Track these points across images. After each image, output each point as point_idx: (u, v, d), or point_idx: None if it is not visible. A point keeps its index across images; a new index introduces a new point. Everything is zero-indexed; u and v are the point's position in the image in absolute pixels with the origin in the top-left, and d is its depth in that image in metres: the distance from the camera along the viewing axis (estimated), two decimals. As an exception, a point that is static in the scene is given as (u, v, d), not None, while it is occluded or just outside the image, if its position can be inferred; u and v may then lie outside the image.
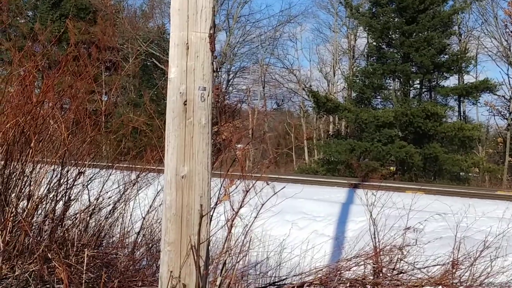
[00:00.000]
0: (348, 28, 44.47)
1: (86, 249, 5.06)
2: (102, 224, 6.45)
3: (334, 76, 45.01)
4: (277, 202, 4.69)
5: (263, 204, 4.43)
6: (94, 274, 5.04)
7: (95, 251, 5.60)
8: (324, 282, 5.87)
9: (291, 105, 50.53)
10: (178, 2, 3.80)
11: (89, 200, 6.34)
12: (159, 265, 3.90)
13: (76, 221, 5.94)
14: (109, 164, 7.02)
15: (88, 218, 6.20)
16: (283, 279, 6.42)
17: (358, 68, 37.73)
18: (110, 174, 6.89)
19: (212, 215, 4.06)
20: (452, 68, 32.87)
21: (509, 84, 36.02)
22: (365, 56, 38.68)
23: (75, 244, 5.22)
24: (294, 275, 6.45)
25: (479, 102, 35.75)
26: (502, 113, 37.01)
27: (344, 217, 13.69)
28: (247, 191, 4.15)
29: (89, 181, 6.39)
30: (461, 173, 32.57)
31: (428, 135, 30.56)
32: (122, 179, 7.08)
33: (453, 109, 34.29)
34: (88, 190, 6.35)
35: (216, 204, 4.29)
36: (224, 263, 4.46)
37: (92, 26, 34.32)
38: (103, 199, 6.57)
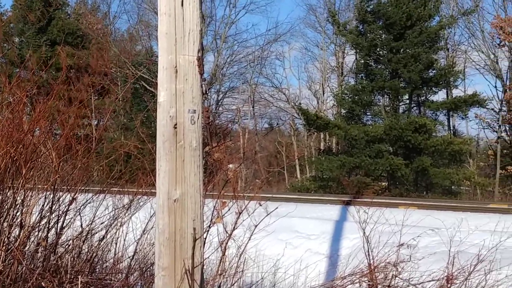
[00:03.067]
0: (335, 46, 44.78)
1: (79, 276, 5.04)
2: (95, 249, 6.41)
3: (323, 93, 45.22)
4: (270, 222, 4.69)
5: (256, 226, 4.43)
6: (88, 301, 5.02)
7: (89, 277, 5.57)
8: (319, 301, 5.86)
9: (282, 123, 50.75)
10: (165, 26, 3.81)
11: (82, 226, 6.31)
12: (153, 290, 3.89)
13: (69, 247, 5.91)
14: (101, 189, 6.99)
15: (81, 244, 6.17)
16: (279, 300, 6.40)
17: (347, 85, 37.93)
18: (103, 200, 6.87)
19: (205, 238, 4.06)
20: (440, 82, 33.08)
21: (498, 97, 36.26)
22: (354, 73, 38.89)
23: (69, 271, 5.19)
24: (290, 295, 6.43)
25: (467, 116, 36.03)
26: (491, 126, 37.22)
27: (337, 235, 13.67)
28: (240, 213, 4.15)
29: (81, 207, 6.36)
30: (452, 187, 32.67)
31: (418, 149, 30.65)
32: (114, 204, 7.05)
33: (442, 124, 34.47)
34: (81, 216, 6.33)
35: (209, 226, 4.28)
36: (219, 286, 4.45)
37: (80, 50, 34.36)
38: (95, 225, 6.54)
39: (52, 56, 30.71)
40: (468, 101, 32.01)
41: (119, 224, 6.87)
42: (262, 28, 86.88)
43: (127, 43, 43.56)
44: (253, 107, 46.62)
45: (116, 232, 6.86)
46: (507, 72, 35.72)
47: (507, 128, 35.37)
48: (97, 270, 6.41)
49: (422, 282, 6.48)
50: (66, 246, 5.93)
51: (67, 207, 5.90)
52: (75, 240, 5.98)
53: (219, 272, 4.27)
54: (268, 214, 4.34)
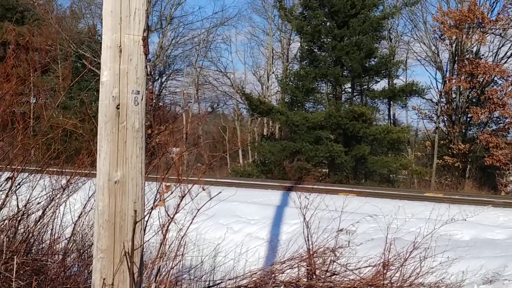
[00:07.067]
0: (281, 32, 44.86)
1: (15, 256, 4.92)
2: (32, 230, 6.28)
3: (268, 79, 45.27)
4: (211, 206, 4.67)
5: (198, 210, 4.40)
6: (24, 282, 4.90)
7: (25, 258, 5.45)
8: (258, 285, 5.89)
9: (226, 108, 50.60)
10: (110, 4, 3.72)
11: (18, 206, 6.16)
12: (91, 271, 3.83)
13: (5, 227, 5.76)
14: (39, 169, 6.83)
15: (17, 225, 6.02)
16: (218, 283, 6.40)
17: (290, 71, 38.07)
18: (40, 179, 6.71)
19: (146, 221, 4.01)
20: (381, 71, 33.62)
21: (437, 88, 37.02)
22: (298, 59, 39.03)
23: (4, 251, 5.06)
24: (229, 279, 6.44)
25: (407, 105, 36.72)
26: (430, 117, 37.98)
27: (278, 220, 13.76)
28: (183, 197, 4.10)
29: (18, 187, 6.21)
30: (390, 175, 33.29)
31: (358, 137, 31.10)
32: (52, 184, 6.90)
33: (379, 112, 35.07)
34: (17, 196, 6.18)
35: (151, 209, 4.23)
36: (159, 269, 4.41)
37: (20, 26, 33.42)
38: (32, 205, 6.40)
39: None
40: (406, 90, 32.59)
41: (56, 205, 6.73)
42: (208, 11, 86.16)
43: (69, 21, 42.59)
44: (197, 91, 46.32)
45: (53, 213, 6.73)
46: (447, 64, 36.47)
47: (445, 119, 36.16)
48: (33, 251, 6.28)
49: (359, 268, 6.59)
50: (2, 226, 5.79)
51: (3, 186, 5.75)
52: (11, 220, 5.84)
53: (159, 255, 4.22)
54: (211, 198, 4.31)
